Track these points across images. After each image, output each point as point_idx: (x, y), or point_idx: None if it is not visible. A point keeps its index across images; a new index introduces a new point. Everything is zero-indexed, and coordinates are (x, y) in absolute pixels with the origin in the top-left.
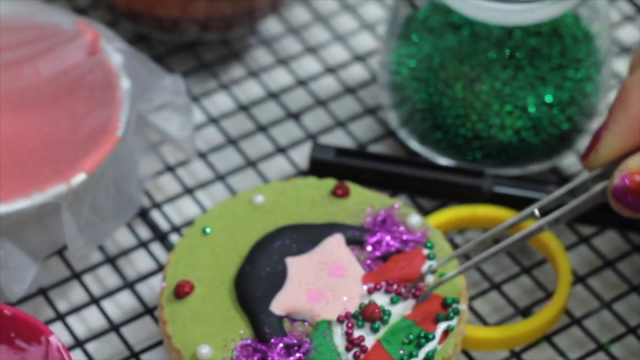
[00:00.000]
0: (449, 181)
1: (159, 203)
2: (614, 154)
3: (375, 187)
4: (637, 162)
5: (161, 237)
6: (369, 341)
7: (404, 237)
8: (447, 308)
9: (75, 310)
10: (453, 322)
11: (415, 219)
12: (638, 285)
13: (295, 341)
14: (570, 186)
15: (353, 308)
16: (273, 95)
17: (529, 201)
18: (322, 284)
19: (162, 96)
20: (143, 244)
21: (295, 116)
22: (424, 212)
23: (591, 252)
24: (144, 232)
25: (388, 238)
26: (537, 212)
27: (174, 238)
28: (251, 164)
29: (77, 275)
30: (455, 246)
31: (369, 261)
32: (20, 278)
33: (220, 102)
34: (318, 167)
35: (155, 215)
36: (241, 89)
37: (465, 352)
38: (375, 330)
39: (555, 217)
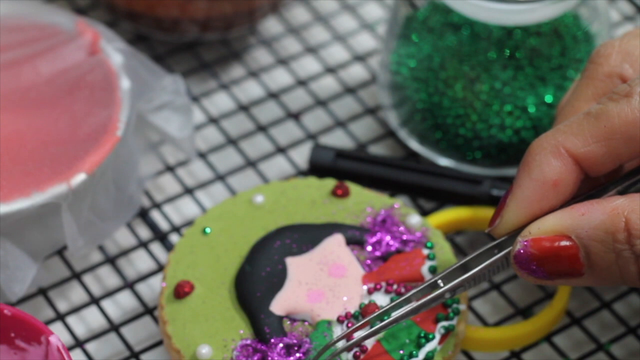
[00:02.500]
0: (447, 189)
1: (159, 203)
2: (519, 220)
3: (375, 189)
4: (540, 227)
5: (161, 237)
6: (369, 341)
7: (404, 237)
8: (447, 308)
9: (75, 310)
10: (453, 322)
11: (415, 219)
12: None
13: (295, 341)
14: (477, 252)
15: (353, 308)
16: (273, 95)
17: None
18: (322, 284)
19: (162, 96)
20: (143, 244)
21: (295, 116)
22: (424, 212)
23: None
24: (144, 232)
25: (388, 238)
26: (441, 283)
27: (174, 238)
28: (251, 164)
29: (77, 275)
30: (455, 246)
31: (369, 261)
32: (20, 278)
33: (220, 102)
34: (317, 171)
35: (155, 215)
36: (241, 89)
37: (465, 352)
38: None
39: (454, 285)
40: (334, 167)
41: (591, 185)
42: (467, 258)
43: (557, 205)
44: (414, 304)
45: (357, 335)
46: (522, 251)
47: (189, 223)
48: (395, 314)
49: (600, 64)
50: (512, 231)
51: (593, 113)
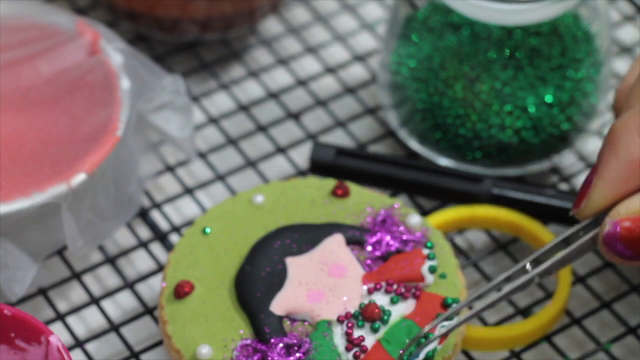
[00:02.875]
0: (448, 186)
1: (159, 203)
2: (606, 201)
3: (376, 186)
4: (628, 207)
5: (161, 237)
6: (369, 341)
7: (404, 237)
8: (447, 308)
9: (75, 310)
10: (453, 322)
11: (415, 219)
12: (638, 285)
13: (295, 341)
14: (564, 236)
15: (353, 308)
16: (273, 95)
17: (527, 204)
18: (322, 284)
19: (162, 96)
20: (143, 244)
21: (295, 116)
22: (424, 212)
23: (591, 252)
24: (144, 232)
25: (388, 238)
26: (528, 266)
27: (174, 238)
28: (251, 164)
29: (77, 275)
30: (455, 246)
31: (369, 261)
32: (20, 278)
33: (220, 102)
34: (318, 168)
35: (155, 215)
36: (241, 89)
37: (465, 352)
38: (375, 330)
39: (546, 268)
40: (335, 165)
41: None
42: (556, 241)
43: None
44: (505, 289)
45: (445, 323)
46: (611, 232)
47: (189, 223)
48: (482, 302)
49: None
50: (598, 212)
51: None
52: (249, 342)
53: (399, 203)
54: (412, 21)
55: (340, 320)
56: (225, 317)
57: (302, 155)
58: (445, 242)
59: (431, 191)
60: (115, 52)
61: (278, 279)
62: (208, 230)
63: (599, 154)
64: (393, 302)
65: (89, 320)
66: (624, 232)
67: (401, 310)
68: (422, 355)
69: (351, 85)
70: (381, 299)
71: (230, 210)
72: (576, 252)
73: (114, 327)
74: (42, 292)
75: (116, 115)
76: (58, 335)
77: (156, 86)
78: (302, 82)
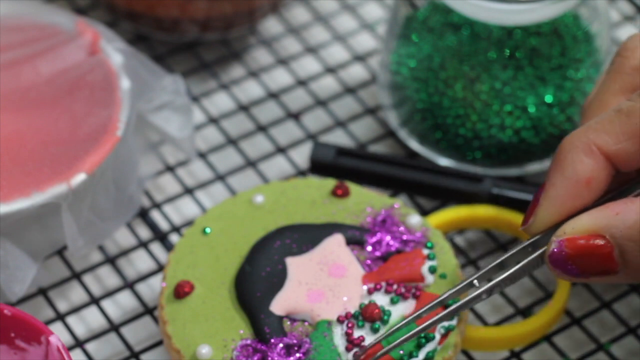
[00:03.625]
0: (448, 186)
1: (159, 203)
2: (553, 219)
3: (375, 186)
4: (574, 226)
5: (161, 237)
6: (369, 341)
7: (404, 237)
8: (447, 308)
9: (75, 310)
10: (453, 322)
11: (415, 219)
12: (638, 285)
13: (295, 341)
14: (509, 254)
15: (353, 308)
16: (273, 95)
17: (527, 204)
18: (322, 284)
19: (162, 96)
20: (143, 244)
21: (295, 116)
22: (424, 212)
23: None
24: (144, 232)
25: (388, 238)
26: (476, 283)
27: (174, 238)
28: (251, 164)
29: (77, 275)
30: (455, 246)
31: (369, 261)
32: (20, 278)
33: (220, 102)
34: (318, 168)
35: (155, 215)
36: (241, 89)
37: (465, 352)
38: (375, 330)
39: (491, 286)
40: (335, 165)
41: (622, 178)
42: (503, 257)
43: (589, 202)
44: (454, 306)
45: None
46: (556, 251)
47: (189, 223)
48: (432, 320)
49: (627, 57)
50: (546, 229)
51: (624, 110)
52: (249, 342)
53: (399, 203)
54: (412, 21)
55: (340, 321)
56: (225, 317)
57: (302, 155)
58: (445, 242)
59: (431, 191)
60: (115, 52)
61: (278, 279)
62: (208, 230)
63: (547, 172)
64: (393, 302)
65: (89, 320)
66: (568, 251)
67: (401, 310)
68: (422, 355)
69: (351, 85)
70: (381, 299)
71: (230, 210)
72: (524, 269)
73: (114, 327)
74: (42, 292)
75: (116, 115)
76: (58, 335)
77: (156, 86)
78: (302, 82)
